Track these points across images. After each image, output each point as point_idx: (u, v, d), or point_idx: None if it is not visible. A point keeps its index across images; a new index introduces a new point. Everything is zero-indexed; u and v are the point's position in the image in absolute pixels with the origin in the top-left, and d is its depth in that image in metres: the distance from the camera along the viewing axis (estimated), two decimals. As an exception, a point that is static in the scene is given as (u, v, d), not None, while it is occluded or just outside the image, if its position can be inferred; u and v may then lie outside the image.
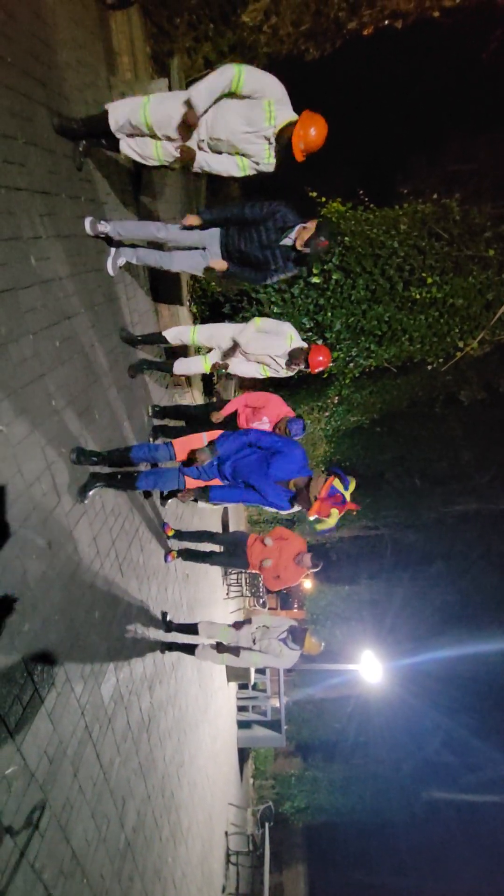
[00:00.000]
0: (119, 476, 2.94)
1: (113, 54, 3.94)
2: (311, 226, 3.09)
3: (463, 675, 16.78)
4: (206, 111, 2.67)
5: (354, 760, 19.41)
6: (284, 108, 2.72)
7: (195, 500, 3.03)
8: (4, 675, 1.84)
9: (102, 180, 3.39)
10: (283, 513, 3.14)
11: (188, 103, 2.63)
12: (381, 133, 13.81)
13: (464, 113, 12.96)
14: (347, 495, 2.80)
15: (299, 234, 3.10)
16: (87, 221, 3.01)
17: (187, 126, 2.68)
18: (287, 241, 3.16)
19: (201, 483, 3.08)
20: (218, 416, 3.94)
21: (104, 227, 3.12)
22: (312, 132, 2.71)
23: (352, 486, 2.86)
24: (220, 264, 3.23)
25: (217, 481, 3.07)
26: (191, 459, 2.98)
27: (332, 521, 2.84)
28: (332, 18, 4.90)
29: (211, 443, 2.99)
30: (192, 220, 3.11)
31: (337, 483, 2.76)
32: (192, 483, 3.09)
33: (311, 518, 2.84)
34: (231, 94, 2.65)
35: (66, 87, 2.87)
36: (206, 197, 9.89)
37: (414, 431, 14.35)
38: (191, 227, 3.15)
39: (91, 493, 2.74)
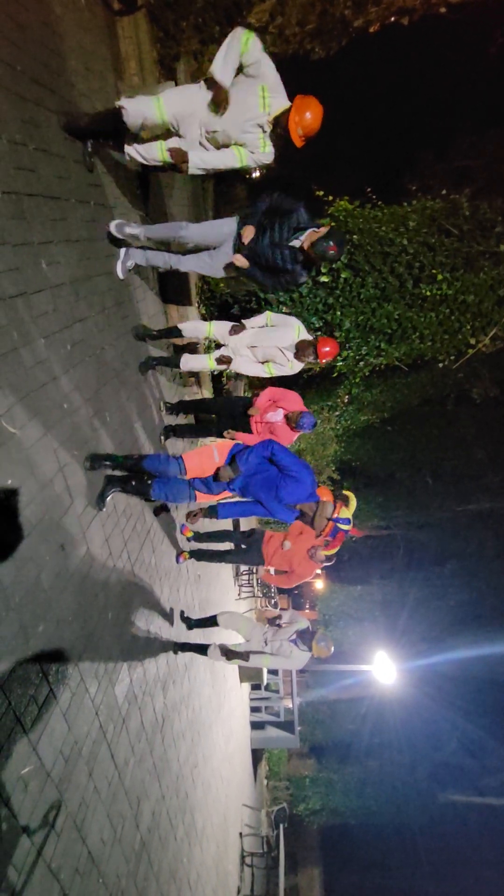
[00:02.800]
0: (133, 482, 2.96)
1: (120, 60, 3.97)
2: (323, 231, 3.08)
3: (479, 676, 16.57)
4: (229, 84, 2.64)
5: (369, 762, 19.27)
6: (278, 96, 2.71)
7: (206, 517, 3.06)
8: (20, 676, 1.86)
9: (111, 184, 3.42)
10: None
11: (211, 82, 2.63)
12: (389, 130, 13.74)
13: (472, 107, 12.85)
14: (350, 514, 2.88)
15: (309, 237, 3.10)
16: (114, 224, 3.05)
17: (218, 104, 2.68)
18: (296, 243, 3.15)
19: (211, 497, 3.11)
20: (255, 410, 4.04)
21: (133, 230, 3.16)
22: (308, 116, 2.69)
23: (352, 504, 2.94)
24: (242, 261, 3.21)
25: (227, 494, 3.09)
26: (214, 475, 2.99)
27: (335, 549, 2.94)
28: (337, 17, 4.88)
29: (233, 459, 2.97)
30: (250, 231, 3.13)
31: (344, 511, 2.84)
32: (202, 497, 3.11)
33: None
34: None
35: (75, 94, 2.90)
36: (213, 199, 9.93)
37: (425, 430, 14.23)
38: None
39: (108, 498, 2.77)
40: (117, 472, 2.93)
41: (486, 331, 5.84)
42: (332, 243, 3.02)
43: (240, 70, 2.66)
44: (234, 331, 3.86)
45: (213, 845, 5.28)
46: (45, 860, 1.93)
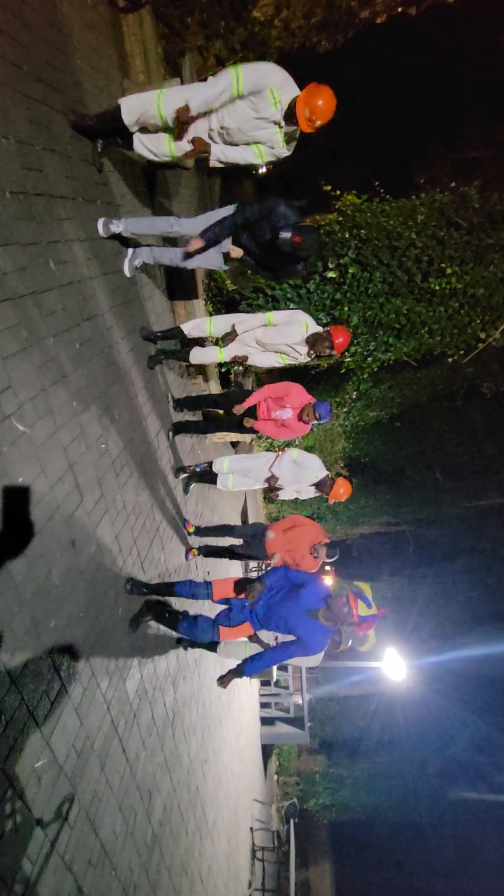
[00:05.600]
0: (167, 614, 3.23)
1: (126, 57, 3.97)
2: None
3: (490, 673, 16.46)
4: (203, 113, 2.72)
5: (379, 758, 19.27)
6: (289, 90, 2.69)
7: (236, 677, 3.12)
8: (32, 671, 1.89)
9: (118, 183, 3.42)
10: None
11: (187, 101, 2.66)
12: (397, 123, 13.59)
13: (481, 98, 12.65)
14: (374, 607, 2.90)
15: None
16: (100, 223, 3.04)
17: (179, 121, 2.70)
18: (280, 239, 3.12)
19: (233, 631, 3.22)
20: (240, 409, 4.06)
21: (116, 227, 3.15)
22: (320, 103, 2.64)
23: (368, 593, 2.98)
24: (236, 251, 3.22)
25: (248, 626, 3.17)
26: (239, 590, 3.25)
27: (372, 639, 2.94)
28: (343, 9, 4.83)
29: (259, 578, 3.17)
30: (196, 244, 3.11)
31: (361, 605, 2.86)
32: (225, 632, 3.23)
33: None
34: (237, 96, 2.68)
35: (81, 93, 2.91)
36: (219, 195, 9.91)
37: (435, 425, 14.13)
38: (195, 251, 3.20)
39: (141, 624, 3.00)
40: (153, 598, 3.22)
41: (496, 325, 5.77)
42: (295, 234, 2.97)
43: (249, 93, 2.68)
44: (227, 339, 3.83)
45: (224, 839, 5.32)
46: (58, 852, 1.96)
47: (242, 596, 3.17)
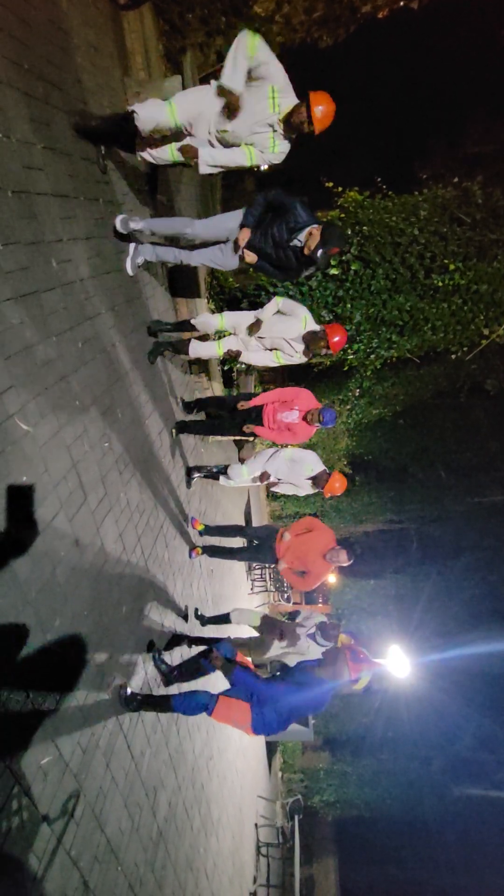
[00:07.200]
0: (157, 698, 2.90)
1: (126, 55, 3.96)
2: (317, 232, 3.04)
3: (494, 671, 16.44)
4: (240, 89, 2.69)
5: (383, 755, 19.28)
6: (287, 96, 2.75)
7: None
8: (38, 669, 1.90)
9: (119, 181, 3.42)
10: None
11: (222, 90, 2.67)
12: (399, 118, 13.52)
13: (484, 93, 12.56)
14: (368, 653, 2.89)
15: (307, 240, 3.08)
16: (119, 219, 3.06)
17: (231, 109, 2.73)
18: (297, 243, 3.13)
19: (229, 711, 2.87)
20: (244, 405, 4.06)
21: (136, 224, 3.18)
22: (319, 110, 2.71)
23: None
24: (251, 256, 3.24)
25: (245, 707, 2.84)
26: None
27: (365, 680, 2.87)
28: (345, 3, 4.81)
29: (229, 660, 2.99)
30: (245, 234, 3.14)
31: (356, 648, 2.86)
32: (220, 711, 2.86)
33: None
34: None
35: (82, 91, 2.90)
36: (221, 193, 9.89)
37: (438, 423, 14.09)
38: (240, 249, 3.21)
39: (135, 711, 2.75)
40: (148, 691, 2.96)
41: (499, 321, 5.75)
42: (330, 247, 3.02)
43: (248, 74, 2.68)
44: (254, 329, 3.84)
45: (229, 835, 5.34)
46: (65, 848, 1.97)
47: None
